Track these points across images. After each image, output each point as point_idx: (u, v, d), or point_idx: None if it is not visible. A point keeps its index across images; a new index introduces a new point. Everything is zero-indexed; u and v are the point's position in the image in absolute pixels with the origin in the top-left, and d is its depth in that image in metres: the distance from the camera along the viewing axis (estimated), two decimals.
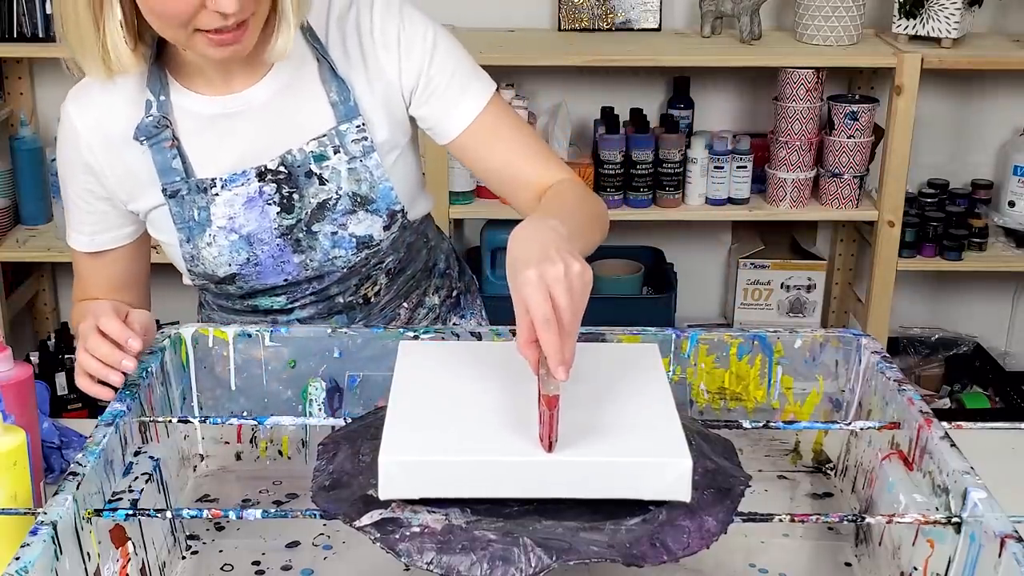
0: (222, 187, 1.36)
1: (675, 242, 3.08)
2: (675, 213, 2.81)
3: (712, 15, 2.79)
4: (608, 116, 2.82)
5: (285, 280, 1.42)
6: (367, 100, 1.37)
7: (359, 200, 1.38)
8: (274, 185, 1.37)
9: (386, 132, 1.39)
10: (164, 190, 1.37)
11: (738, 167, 2.78)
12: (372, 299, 1.48)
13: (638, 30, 2.88)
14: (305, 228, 1.39)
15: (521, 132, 1.42)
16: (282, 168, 1.36)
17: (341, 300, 1.46)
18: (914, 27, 2.74)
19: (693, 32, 2.88)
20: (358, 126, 1.36)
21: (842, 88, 2.93)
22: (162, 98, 1.35)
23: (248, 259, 1.39)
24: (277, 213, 1.38)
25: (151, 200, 1.39)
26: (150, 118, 1.34)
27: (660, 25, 2.88)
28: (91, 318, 1.23)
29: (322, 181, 1.37)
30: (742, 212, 2.83)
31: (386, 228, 1.40)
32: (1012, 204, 2.89)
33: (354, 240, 1.40)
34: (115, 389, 1.19)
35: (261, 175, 1.37)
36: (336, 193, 1.37)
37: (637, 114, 2.85)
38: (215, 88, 1.36)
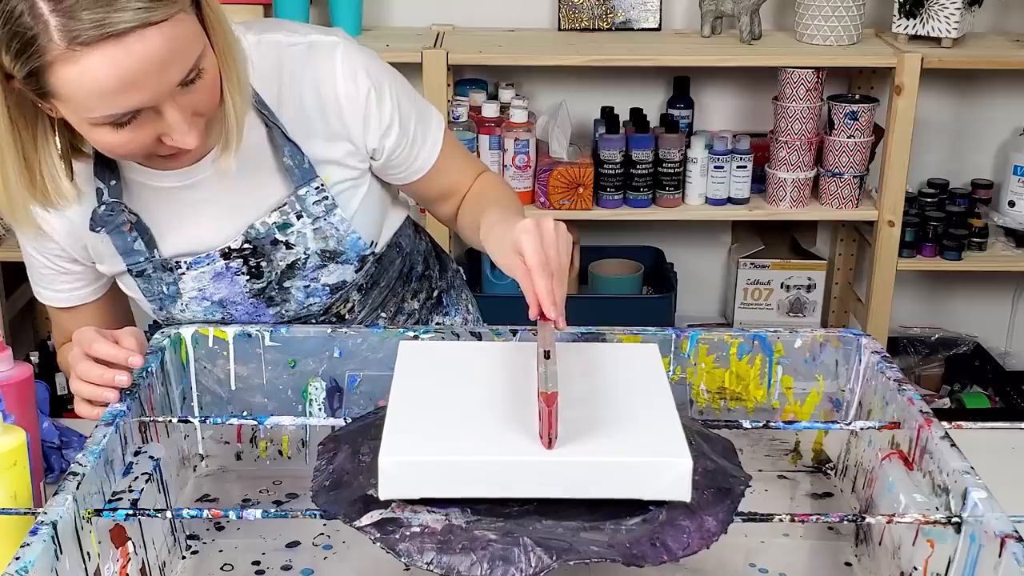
0: (188, 268, 1.35)
1: (675, 242, 3.08)
2: (675, 213, 2.81)
3: (712, 15, 2.79)
4: (608, 116, 2.82)
5: None
6: (325, 155, 1.34)
7: (328, 255, 1.37)
8: (240, 260, 1.35)
9: (347, 180, 1.37)
10: (130, 270, 1.35)
11: (738, 167, 2.78)
12: (346, 315, 1.46)
13: (638, 30, 2.88)
14: (277, 286, 1.38)
15: (458, 153, 1.49)
16: (247, 245, 1.34)
17: (313, 321, 1.45)
18: (914, 27, 2.74)
19: (693, 32, 2.87)
20: (317, 187, 1.33)
21: (842, 88, 2.93)
22: (112, 182, 1.29)
23: (223, 318, 1.39)
24: (247, 280, 1.36)
25: (118, 268, 1.36)
26: (103, 207, 1.29)
27: (660, 25, 2.88)
28: (77, 348, 1.21)
29: (288, 246, 1.35)
30: (742, 212, 2.83)
31: (358, 271, 1.40)
32: (1012, 204, 2.89)
33: (327, 288, 1.40)
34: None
35: (226, 255, 1.35)
36: (304, 253, 1.36)
37: (637, 114, 2.85)
38: (165, 165, 1.30)
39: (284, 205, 1.34)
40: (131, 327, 1.28)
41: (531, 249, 1.12)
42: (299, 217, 1.34)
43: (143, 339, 1.27)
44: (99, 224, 1.31)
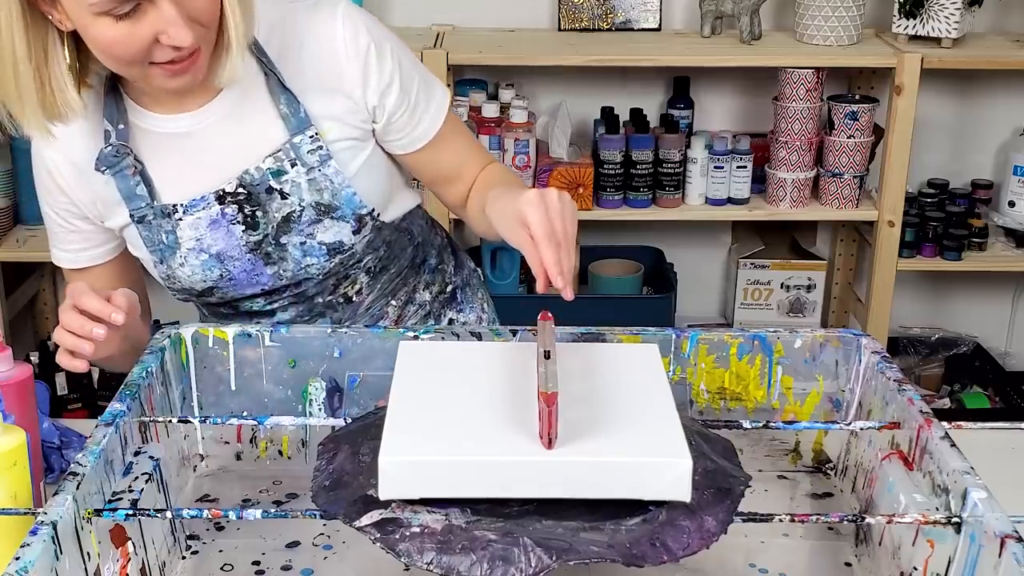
0: (184, 212, 1.37)
1: (675, 242, 3.08)
2: (675, 213, 2.81)
3: (712, 15, 2.79)
4: (608, 116, 2.82)
5: (262, 289, 1.43)
6: (323, 109, 1.36)
7: (323, 209, 1.38)
8: (235, 206, 1.37)
9: (347, 139, 1.39)
10: (132, 215, 1.38)
11: (738, 167, 2.78)
12: (354, 298, 1.47)
13: (638, 30, 2.88)
14: (273, 241, 1.39)
15: (464, 133, 1.51)
16: (241, 189, 1.36)
17: (321, 300, 1.46)
18: (914, 27, 2.74)
19: (693, 32, 2.87)
20: (311, 136, 1.35)
21: (842, 88, 2.93)
22: (120, 126, 1.34)
23: (221, 275, 1.40)
24: (243, 231, 1.38)
25: (122, 220, 1.40)
26: (109, 148, 1.34)
27: (660, 25, 2.88)
28: (68, 300, 1.24)
29: (283, 195, 1.37)
30: (742, 212, 2.83)
31: (356, 232, 1.41)
32: (1012, 204, 2.89)
33: (324, 247, 1.40)
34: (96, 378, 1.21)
35: (220, 198, 1.37)
36: (299, 205, 1.37)
37: (637, 114, 2.85)
38: (168, 108, 1.36)
39: (279, 152, 1.36)
40: (128, 289, 1.31)
41: (536, 220, 1.13)
42: (293, 165, 1.36)
43: (135, 300, 1.29)
44: (104, 164, 1.34)
